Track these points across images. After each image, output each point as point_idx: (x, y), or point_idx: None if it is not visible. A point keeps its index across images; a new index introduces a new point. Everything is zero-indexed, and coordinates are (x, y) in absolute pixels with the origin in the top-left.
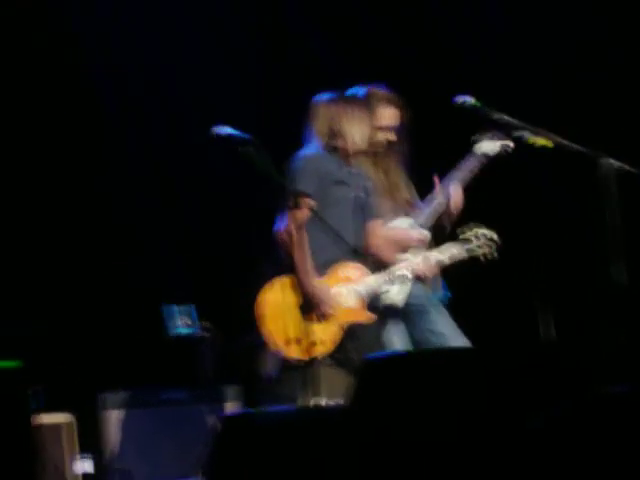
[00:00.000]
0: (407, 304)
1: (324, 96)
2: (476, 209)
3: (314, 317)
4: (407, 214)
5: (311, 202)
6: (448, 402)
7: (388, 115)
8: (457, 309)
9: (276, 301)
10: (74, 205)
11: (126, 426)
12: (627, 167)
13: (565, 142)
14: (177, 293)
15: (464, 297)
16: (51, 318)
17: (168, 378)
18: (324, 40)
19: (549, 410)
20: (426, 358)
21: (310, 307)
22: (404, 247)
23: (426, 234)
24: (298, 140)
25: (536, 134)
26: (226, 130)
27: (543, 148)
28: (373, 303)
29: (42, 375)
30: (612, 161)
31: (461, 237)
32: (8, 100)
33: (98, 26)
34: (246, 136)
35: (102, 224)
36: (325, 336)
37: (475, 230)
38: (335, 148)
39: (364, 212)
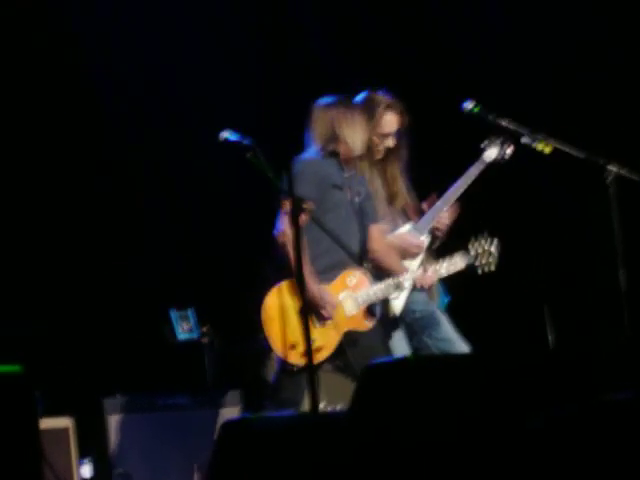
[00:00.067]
0: (408, 311)
1: (324, 100)
2: (478, 210)
3: (313, 322)
4: (407, 220)
5: (310, 206)
6: (449, 408)
7: (389, 121)
8: (458, 313)
9: (278, 306)
10: (73, 205)
11: (127, 431)
12: (628, 172)
13: (571, 149)
14: (179, 297)
15: (465, 300)
16: (50, 322)
17: (168, 383)
18: (324, 40)
19: (549, 411)
20: (427, 364)
21: (310, 310)
22: (403, 253)
23: (424, 240)
24: (298, 141)
25: (544, 140)
26: (232, 135)
27: (550, 154)
28: (372, 311)
29: (40, 379)
30: (615, 166)
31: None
32: (8, 100)
33: (98, 26)
34: (250, 141)
35: (103, 226)
36: (324, 342)
37: (475, 243)
38: (334, 152)
39: (362, 216)
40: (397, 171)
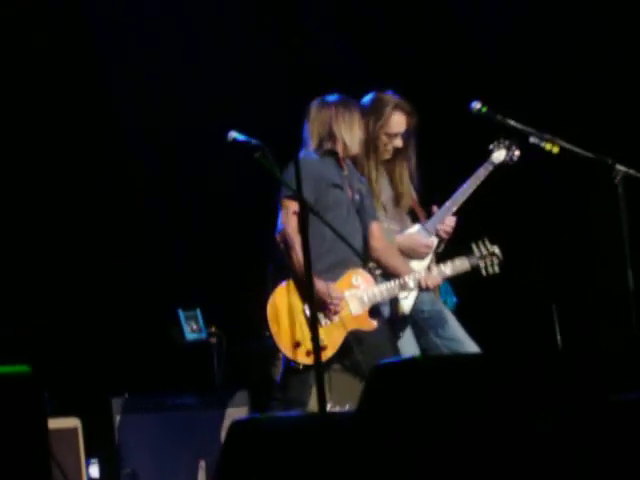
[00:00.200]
0: (416, 311)
1: (321, 99)
2: (481, 213)
3: (318, 320)
4: (414, 220)
5: (309, 205)
6: (458, 408)
7: (397, 121)
8: (466, 314)
9: (283, 304)
10: (74, 205)
11: (135, 431)
12: (633, 172)
13: (577, 149)
14: (185, 297)
15: (473, 301)
16: (58, 322)
17: (176, 383)
18: (324, 40)
19: (558, 412)
20: (436, 364)
21: (316, 307)
22: (412, 253)
23: (434, 241)
24: (298, 141)
25: (550, 141)
26: (240, 135)
27: (558, 155)
28: (379, 310)
29: (48, 379)
30: (621, 166)
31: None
32: (8, 100)
33: (99, 26)
34: (257, 141)
35: (106, 227)
36: (327, 341)
37: (480, 245)
38: (331, 151)
39: (361, 214)
40: (405, 171)
